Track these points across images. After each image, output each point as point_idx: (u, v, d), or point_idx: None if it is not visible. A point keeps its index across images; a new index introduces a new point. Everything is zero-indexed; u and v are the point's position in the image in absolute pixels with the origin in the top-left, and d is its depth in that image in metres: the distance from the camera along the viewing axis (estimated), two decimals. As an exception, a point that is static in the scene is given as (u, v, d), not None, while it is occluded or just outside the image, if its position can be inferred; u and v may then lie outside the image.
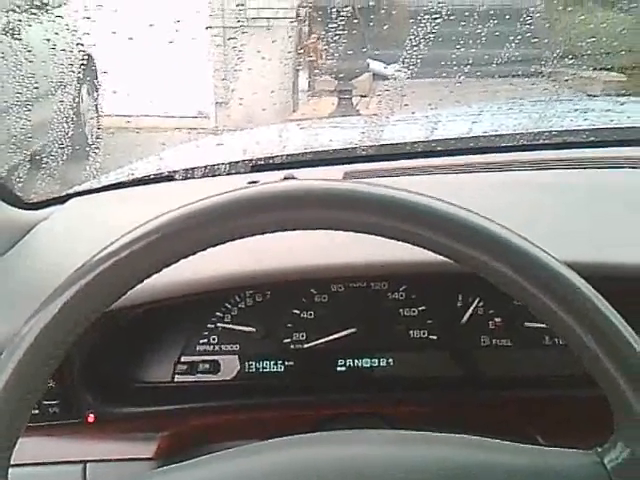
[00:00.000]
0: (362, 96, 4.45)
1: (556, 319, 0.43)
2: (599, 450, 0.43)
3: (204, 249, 0.44)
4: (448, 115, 1.08)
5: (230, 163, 1.02)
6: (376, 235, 0.44)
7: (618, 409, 0.42)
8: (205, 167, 1.00)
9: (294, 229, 0.45)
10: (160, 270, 0.44)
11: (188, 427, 0.72)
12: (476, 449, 0.43)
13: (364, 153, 1.02)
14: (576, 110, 1.01)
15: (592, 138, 0.95)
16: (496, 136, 0.97)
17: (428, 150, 1.00)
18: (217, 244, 0.44)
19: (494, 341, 0.76)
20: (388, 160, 1.00)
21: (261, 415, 0.74)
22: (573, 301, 0.42)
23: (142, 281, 0.44)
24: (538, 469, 0.42)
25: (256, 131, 1.24)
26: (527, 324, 0.75)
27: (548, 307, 0.42)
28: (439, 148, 1.01)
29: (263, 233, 0.45)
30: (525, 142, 0.96)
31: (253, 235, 0.45)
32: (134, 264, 0.42)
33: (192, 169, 1.00)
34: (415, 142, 1.01)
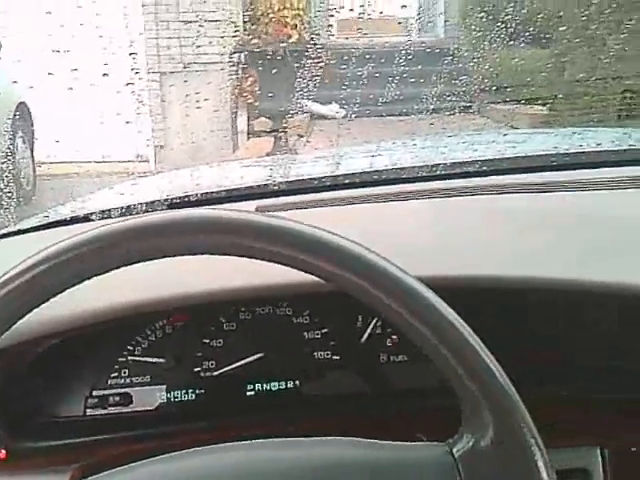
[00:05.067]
0: (299, 136, 4.56)
1: (411, 329, 0.48)
2: (450, 441, 0.48)
3: (88, 278, 0.48)
4: (354, 151, 1.15)
5: (147, 203, 1.06)
6: (238, 256, 0.49)
7: (464, 402, 0.48)
8: (122, 207, 1.04)
9: (174, 255, 0.50)
10: (47, 299, 0.48)
11: (100, 457, 0.74)
12: (336, 448, 0.48)
13: (276, 188, 1.07)
14: (464, 143, 1.09)
15: (484, 167, 1.03)
16: (396, 169, 1.04)
17: (335, 184, 1.06)
18: (98, 274, 0.48)
19: (392, 357, 0.82)
20: (299, 194, 1.05)
21: (173, 442, 0.77)
22: (421, 311, 0.47)
23: (29, 312, 0.47)
24: (392, 462, 0.47)
25: (173, 173, 1.29)
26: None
27: (403, 318, 0.48)
28: (346, 181, 1.08)
29: (145, 260, 0.49)
30: (423, 174, 1.03)
31: (132, 263, 0.49)
32: (16, 297, 0.46)
33: (109, 210, 1.03)
34: (323, 177, 1.08)
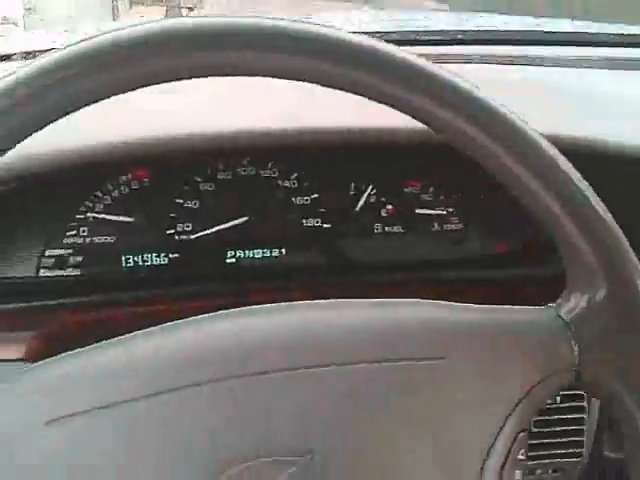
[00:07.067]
0: (189, 8, 4.21)
1: (501, 164, 0.40)
2: (553, 305, 0.43)
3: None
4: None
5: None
6: (302, 81, 0.38)
7: (571, 259, 0.42)
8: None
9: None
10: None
11: (58, 325, 0.64)
12: (433, 309, 0.42)
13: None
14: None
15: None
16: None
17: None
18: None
19: (387, 228, 0.76)
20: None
21: (141, 309, 0.67)
22: (516, 143, 0.40)
23: None
24: (498, 324, 0.41)
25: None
26: (418, 211, 0.75)
27: (495, 154, 0.40)
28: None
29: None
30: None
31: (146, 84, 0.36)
32: None
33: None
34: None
